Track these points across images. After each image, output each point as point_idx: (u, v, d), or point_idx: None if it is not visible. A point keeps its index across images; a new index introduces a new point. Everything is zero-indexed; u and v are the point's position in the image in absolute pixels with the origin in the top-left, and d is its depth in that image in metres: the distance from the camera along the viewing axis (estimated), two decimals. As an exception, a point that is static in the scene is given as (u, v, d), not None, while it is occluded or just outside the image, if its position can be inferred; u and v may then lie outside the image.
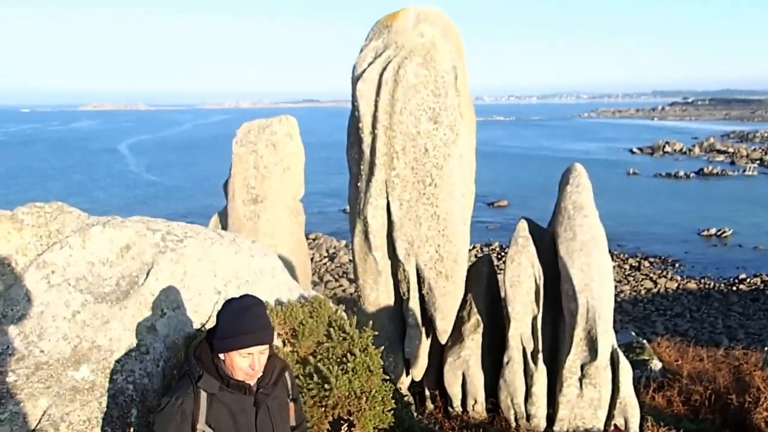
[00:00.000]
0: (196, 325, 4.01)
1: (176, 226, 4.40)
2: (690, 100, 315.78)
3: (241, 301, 2.99)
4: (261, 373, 3.02)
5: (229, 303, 3.01)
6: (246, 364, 2.92)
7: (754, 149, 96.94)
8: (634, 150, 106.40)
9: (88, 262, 3.97)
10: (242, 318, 2.90)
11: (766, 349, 14.32)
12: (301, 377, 4.13)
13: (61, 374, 3.51)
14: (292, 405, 3.28)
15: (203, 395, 2.91)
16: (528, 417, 8.37)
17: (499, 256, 35.76)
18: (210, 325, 4.11)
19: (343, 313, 4.78)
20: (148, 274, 3.96)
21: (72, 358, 3.58)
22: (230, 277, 4.30)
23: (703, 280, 35.61)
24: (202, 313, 4.07)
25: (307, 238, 37.12)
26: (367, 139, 8.07)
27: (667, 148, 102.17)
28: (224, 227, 10.72)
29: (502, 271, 8.87)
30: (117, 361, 3.66)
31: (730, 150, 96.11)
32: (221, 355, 2.94)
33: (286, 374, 3.25)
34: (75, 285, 3.83)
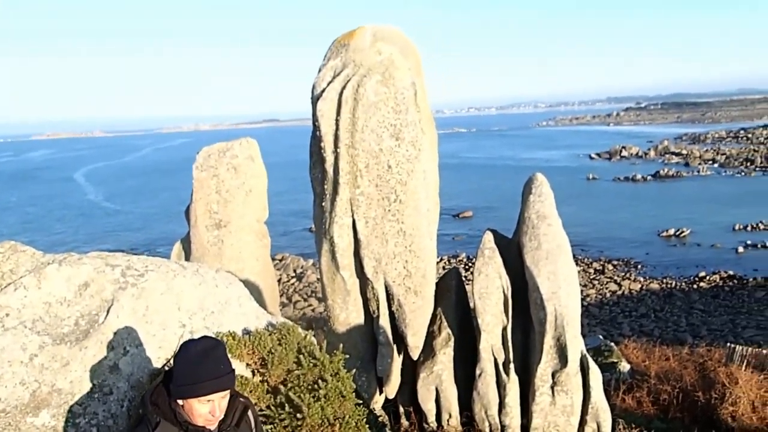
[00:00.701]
0: (162, 361, 3.88)
1: (137, 260, 4.28)
2: (643, 105, 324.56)
3: (199, 345, 2.87)
4: (222, 417, 2.92)
5: (186, 347, 2.88)
6: (206, 410, 2.81)
7: (707, 150, 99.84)
8: (593, 156, 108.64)
9: (44, 303, 3.82)
10: (201, 364, 2.78)
11: (728, 344, 14.66)
12: (272, 407, 4.03)
13: (19, 422, 3.36)
14: None
15: None
16: (503, 428, 8.36)
17: (467, 267, 35.95)
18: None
19: (313, 338, 4.70)
20: (108, 311, 3.83)
21: (31, 404, 3.44)
22: (195, 309, 4.19)
23: (665, 280, 36.38)
24: (167, 348, 3.95)
25: (274, 259, 36.77)
26: (329, 159, 8.04)
27: (624, 153, 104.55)
28: (187, 254, 10.52)
29: (470, 283, 8.89)
30: (79, 404, 3.52)
31: (684, 152, 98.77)
32: (180, 401, 2.83)
33: (249, 413, 3.13)
34: (32, 327, 3.68)
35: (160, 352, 3.92)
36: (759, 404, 10.89)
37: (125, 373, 3.71)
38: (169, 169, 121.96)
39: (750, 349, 13.63)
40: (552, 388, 8.14)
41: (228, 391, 2.89)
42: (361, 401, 4.58)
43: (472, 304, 8.70)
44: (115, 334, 3.77)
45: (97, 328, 3.76)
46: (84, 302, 3.87)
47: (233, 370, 2.93)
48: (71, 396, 3.53)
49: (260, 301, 9.74)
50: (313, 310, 30.81)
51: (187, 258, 10.40)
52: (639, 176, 78.41)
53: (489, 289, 8.43)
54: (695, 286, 35.22)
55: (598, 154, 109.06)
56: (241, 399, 3.11)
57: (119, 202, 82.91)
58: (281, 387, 4.20)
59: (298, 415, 3.99)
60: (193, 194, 10.37)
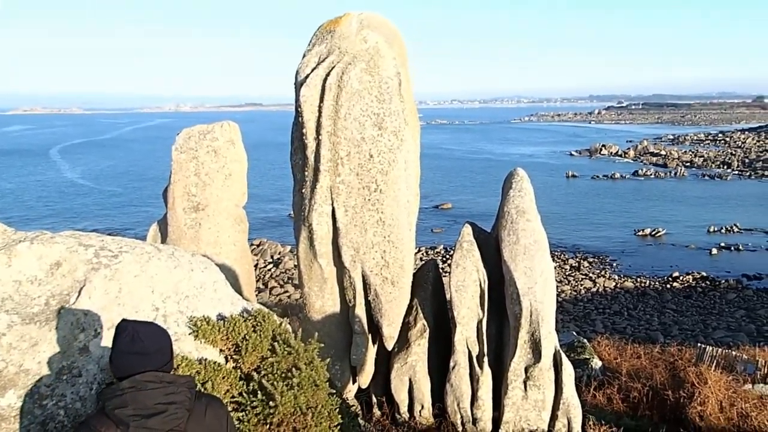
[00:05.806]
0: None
1: (111, 240, 4.20)
2: (624, 104, 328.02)
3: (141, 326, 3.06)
4: None
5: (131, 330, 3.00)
6: None
7: (685, 152, 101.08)
8: (573, 153, 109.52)
9: (14, 281, 3.74)
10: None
11: (699, 344, 14.90)
12: (244, 394, 4.00)
13: (-15, 402, 3.29)
14: None
15: None
16: (474, 421, 8.42)
17: (444, 259, 36.08)
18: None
19: (288, 326, 4.65)
20: (80, 292, 3.75)
21: (-3, 384, 3.37)
22: (169, 292, 4.12)
23: (639, 279, 36.82)
24: (139, 331, 3.88)
25: (251, 244, 36.59)
26: (311, 145, 7.98)
27: (604, 151, 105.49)
28: (164, 236, 10.40)
29: (447, 275, 8.91)
30: (47, 386, 3.45)
31: (663, 153, 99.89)
32: None
33: None
34: (0, 305, 3.60)
35: (131, 336, 3.84)
36: (726, 405, 11.06)
37: (95, 355, 3.65)
38: (147, 149, 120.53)
39: (720, 350, 13.84)
40: (525, 382, 8.20)
41: None
42: (334, 390, 4.56)
43: (448, 297, 8.73)
44: (86, 315, 3.71)
45: (68, 309, 3.69)
46: (55, 282, 3.79)
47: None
48: (39, 377, 3.47)
49: (236, 287, 9.66)
50: (289, 297, 30.73)
51: (164, 241, 10.28)
52: (618, 175, 79.22)
53: (466, 282, 8.46)
54: (668, 285, 35.71)
55: (578, 152, 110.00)
56: None
57: (96, 181, 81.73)
58: (254, 374, 4.16)
59: (271, 403, 3.96)
60: (172, 176, 10.24)
